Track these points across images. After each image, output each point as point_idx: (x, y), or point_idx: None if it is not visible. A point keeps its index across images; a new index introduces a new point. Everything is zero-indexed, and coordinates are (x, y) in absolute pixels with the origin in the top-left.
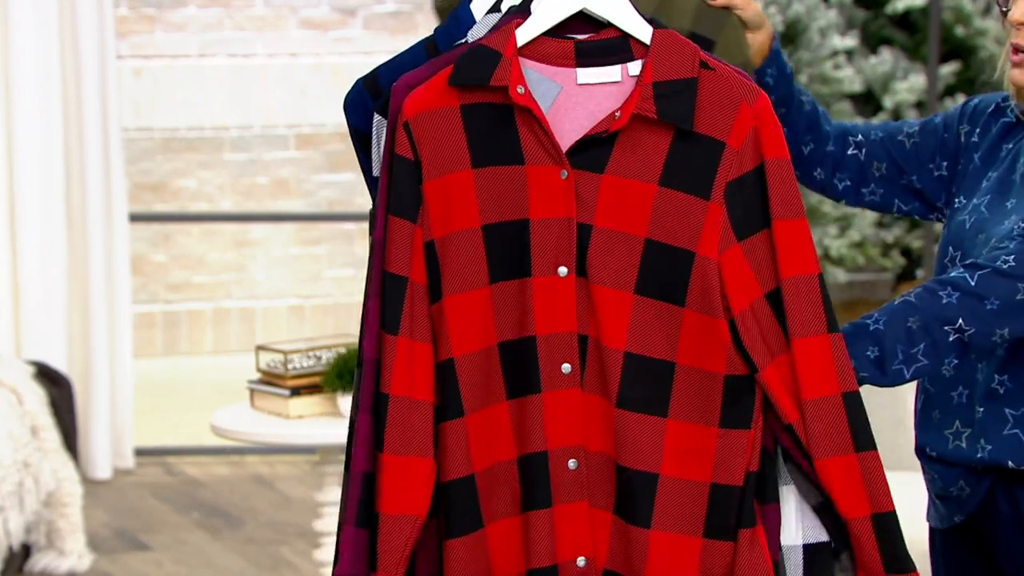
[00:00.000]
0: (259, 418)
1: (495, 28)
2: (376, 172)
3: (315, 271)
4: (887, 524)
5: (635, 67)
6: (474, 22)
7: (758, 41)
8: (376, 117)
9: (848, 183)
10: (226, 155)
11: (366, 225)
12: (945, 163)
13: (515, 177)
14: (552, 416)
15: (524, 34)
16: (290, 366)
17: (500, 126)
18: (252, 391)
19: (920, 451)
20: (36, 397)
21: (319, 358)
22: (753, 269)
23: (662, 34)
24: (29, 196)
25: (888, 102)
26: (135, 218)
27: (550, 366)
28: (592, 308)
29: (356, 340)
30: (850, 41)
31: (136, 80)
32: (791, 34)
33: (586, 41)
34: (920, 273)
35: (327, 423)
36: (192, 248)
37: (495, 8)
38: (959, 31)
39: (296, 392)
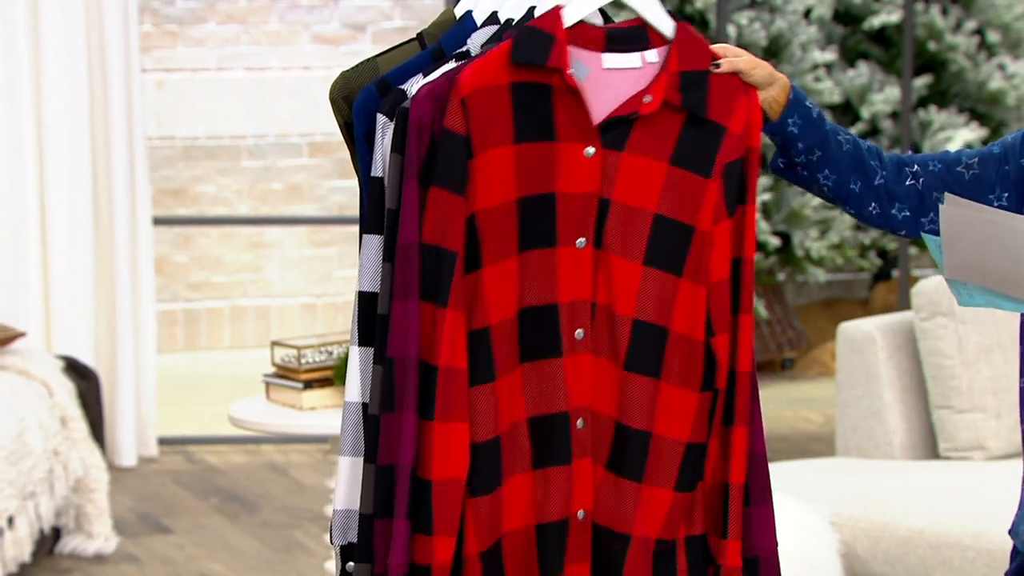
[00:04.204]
0: (274, 409)
1: (494, 38)
2: (376, 172)
3: (326, 271)
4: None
5: (651, 55)
6: (475, 29)
7: (771, 96)
8: (380, 118)
9: (908, 213)
10: (243, 162)
11: None
12: (1007, 194)
13: (546, 153)
14: (571, 379)
15: (567, 18)
16: (303, 361)
17: (539, 103)
18: (267, 384)
19: None
20: (65, 389)
21: (330, 353)
22: (732, 243)
23: (682, 27)
24: (59, 201)
25: (865, 113)
26: (158, 221)
27: (568, 332)
28: (607, 278)
29: None
30: (829, 55)
31: (159, 92)
32: (774, 49)
33: (613, 28)
34: (895, 273)
35: (338, 414)
36: (211, 250)
37: (492, 19)
38: (931, 46)
39: (309, 385)
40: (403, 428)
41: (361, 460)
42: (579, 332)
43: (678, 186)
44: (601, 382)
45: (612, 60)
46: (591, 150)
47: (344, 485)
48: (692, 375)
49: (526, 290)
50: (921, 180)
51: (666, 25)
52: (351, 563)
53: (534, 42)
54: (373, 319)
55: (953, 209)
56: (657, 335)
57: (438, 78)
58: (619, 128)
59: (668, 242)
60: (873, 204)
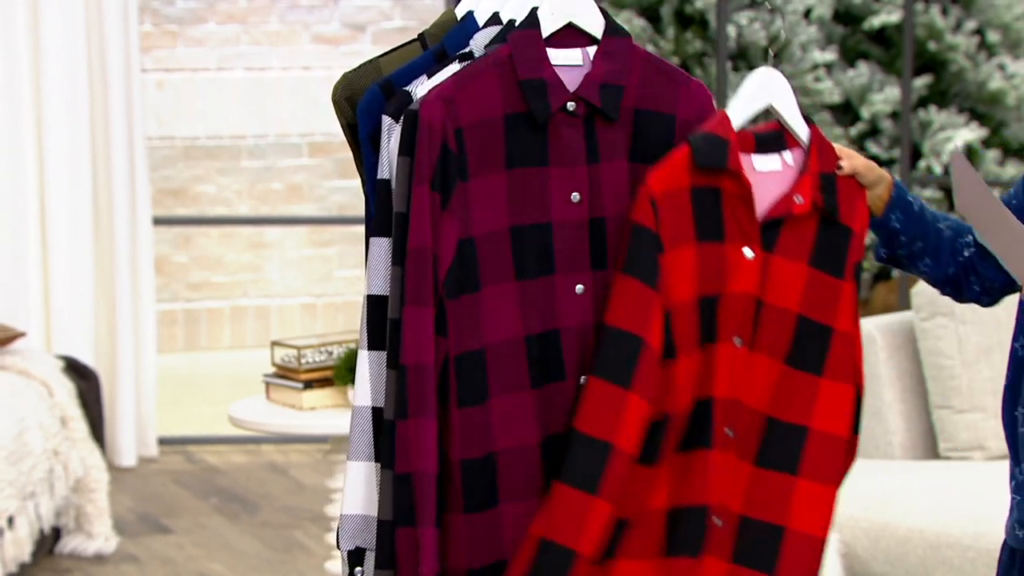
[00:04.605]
0: (274, 409)
1: (497, 39)
2: (382, 174)
3: (326, 271)
4: None
5: (788, 157)
6: (477, 30)
7: (876, 194)
8: (387, 120)
9: (981, 281)
10: (243, 162)
11: None
12: None
13: (718, 253)
14: (714, 474)
15: (733, 122)
16: (303, 361)
17: (713, 205)
18: (267, 384)
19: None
20: (65, 390)
21: (330, 353)
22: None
23: (815, 129)
24: (59, 201)
25: (865, 113)
26: (158, 221)
27: (719, 427)
28: (753, 376)
29: None
30: (829, 55)
31: (159, 92)
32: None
33: (759, 132)
34: (895, 273)
35: (338, 414)
36: (211, 250)
37: (494, 20)
38: (932, 46)
39: (309, 385)
40: (422, 434)
41: (372, 465)
42: (729, 430)
43: (817, 287)
44: (737, 480)
45: (760, 162)
46: (750, 252)
47: (353, 490)
48: (834, 471)
49: (693, 383)
50: (972, 250)
51: (802, 128)
52: (360, 568)
53: (711, 147)
54: (382, 323)
55: (961, 167)
56: (794, 432)
57: (446, 80)
58: (772, 229)
59: (809, 342)
60: (961, 283)
